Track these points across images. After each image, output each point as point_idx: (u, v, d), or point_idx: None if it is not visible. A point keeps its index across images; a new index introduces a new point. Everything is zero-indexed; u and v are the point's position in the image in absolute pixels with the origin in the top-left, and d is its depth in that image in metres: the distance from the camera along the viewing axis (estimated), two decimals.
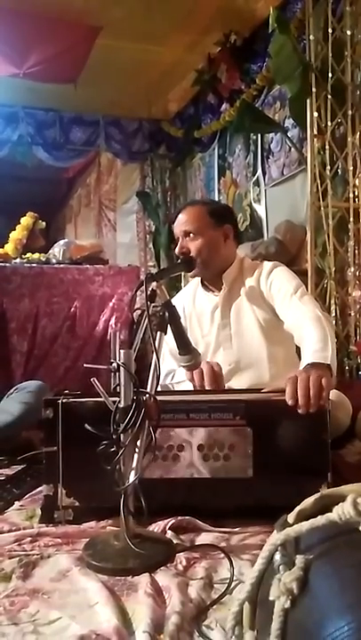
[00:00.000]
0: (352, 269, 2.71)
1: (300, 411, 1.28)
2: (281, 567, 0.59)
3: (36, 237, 3.32)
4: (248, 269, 1.85)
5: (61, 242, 3.26)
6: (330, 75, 2.68)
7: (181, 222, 1.80)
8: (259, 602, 0.67)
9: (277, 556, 0.61)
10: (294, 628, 0.55)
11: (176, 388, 1.78)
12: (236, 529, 1.28)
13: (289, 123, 3.27)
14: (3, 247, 3.30)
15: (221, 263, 1.83)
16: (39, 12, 3.41)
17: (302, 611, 0.55)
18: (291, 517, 0.69)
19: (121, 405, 1.18)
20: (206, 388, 1.59)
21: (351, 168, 2.71)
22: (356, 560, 0.55)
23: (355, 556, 0.55)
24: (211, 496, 1.35)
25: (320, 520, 0.61)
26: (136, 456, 1.15)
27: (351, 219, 2.70)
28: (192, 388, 1.65)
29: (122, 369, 1.18)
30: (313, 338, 1.49)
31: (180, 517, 1.28)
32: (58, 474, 1.34)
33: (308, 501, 0.69)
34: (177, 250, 1.80)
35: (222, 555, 1.13)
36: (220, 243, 1.81)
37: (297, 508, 0.69)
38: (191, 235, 1.78)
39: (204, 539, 1.24)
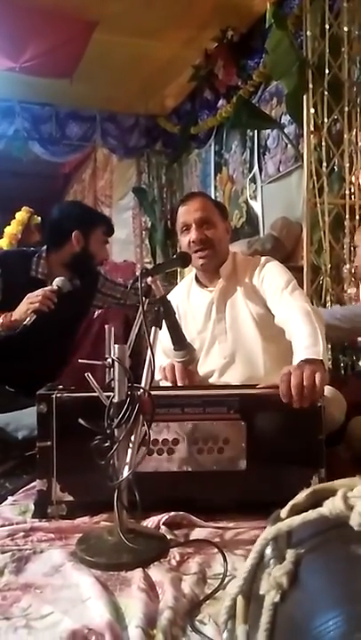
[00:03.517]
0: (348, 266, 2.71)
1: (293, 405, 1.29)
2: (272, 561, 0.60)
3: (31, 232, 3.31)
4: (241, 264, 1.86)
5: None
6: (327, 71, 2.67)
7: (195, 210, 1.77)
8: (252, 596, 0.67)
9: (268, 551, 0.61)
10: (284, 622, 0.55)
11: None
12: (230, 524, 1.28)
13: (286, 119, 3.27)
14: None
15: (223, 256, 1.84)
16: (36, 5, 3.39)
17: (292, 604, 0.55)
18: (284, 512, 0.69)
19: (115, 400, 1.18)
20: (178, 383, 1.63)
21: (347, 165, 2.70)
22: (345, 554, 0.55)
23: (344, 549, 0.55)
24: (205, 490, 1.35)
25: (311, 514, 0.61)
26: (130, 451, 1.15)
27: (347, 215, 2.70)
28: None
29: (116, 364, 1.18)
30: (303, 333, 1.50)
31: (173, 513, 1.28)
32: (52, 468, 1.34)
33: (300, 496, 0.69)
34: (194, 237, 1.75)
35: (216, 550, 1.13)
36: (226, 235, 1.85)
37: (290, 503, 0.69)
38: (208, 223, 1.77)
39: (197, 534, 1.24)
